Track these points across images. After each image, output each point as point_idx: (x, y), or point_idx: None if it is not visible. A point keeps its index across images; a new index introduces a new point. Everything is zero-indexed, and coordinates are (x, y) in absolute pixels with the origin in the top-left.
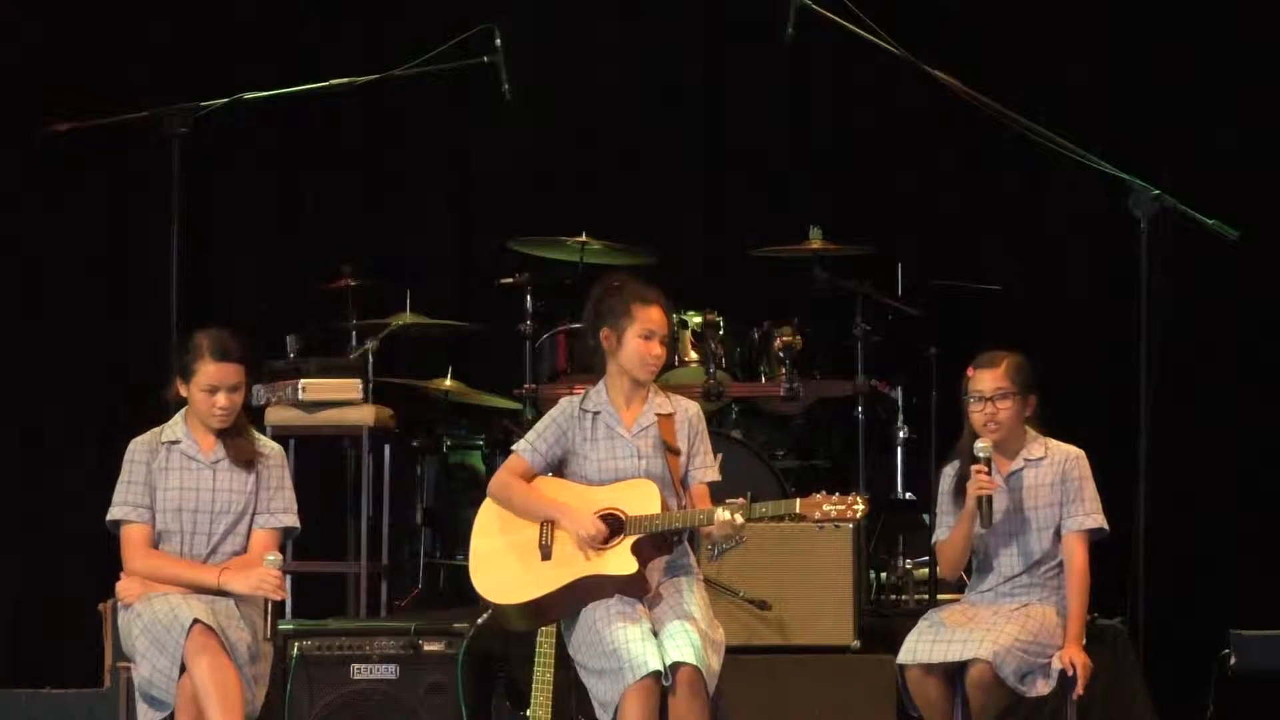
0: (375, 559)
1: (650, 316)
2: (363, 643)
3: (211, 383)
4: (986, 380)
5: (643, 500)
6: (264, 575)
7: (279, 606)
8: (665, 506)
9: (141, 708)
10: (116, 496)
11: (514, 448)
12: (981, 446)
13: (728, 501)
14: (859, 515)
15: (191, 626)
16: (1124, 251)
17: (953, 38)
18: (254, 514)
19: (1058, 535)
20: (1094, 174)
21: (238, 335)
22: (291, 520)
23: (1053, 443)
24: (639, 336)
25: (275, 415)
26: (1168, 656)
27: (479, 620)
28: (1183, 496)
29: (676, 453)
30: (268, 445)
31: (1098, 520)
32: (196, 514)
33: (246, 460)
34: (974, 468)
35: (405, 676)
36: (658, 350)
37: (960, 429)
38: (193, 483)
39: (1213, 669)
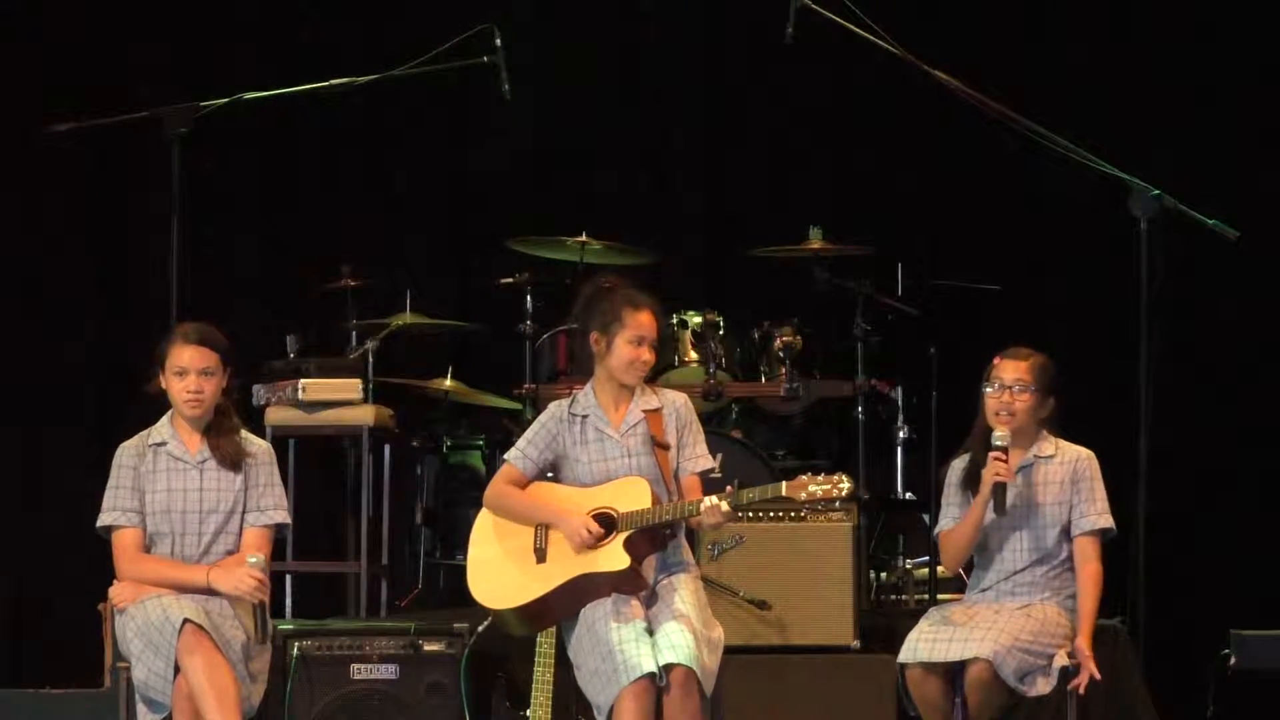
0: (375, 559)
1: (640, 322)
2: (363, 643)
3: (182, 365)
4: (1009, 370)
5: (633, 497)
6: (243, 576)
7: (263, 607)
8: (656, 501)
9: (140, 709)
10: (105, 502)
11: (505, 456)
12: (999, 435)
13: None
14: (844, 493)
15: (182, 627)
16: (1124, 251)
17: (953, 38)
18: (244, 512)
19: (1064, 534)
20: (1094, 174)
21: (216, 327)
22: (282, 517)
23: (1063, 443)
24: (628, 343)
25: (275, 415)
26: (1168, 656)
27: (479, 629)
28: (1183, 496)
29: (666, 447)
30: (255, 443)
31: (1107, 521)
32: (185, 515)
33: (233, 460)
34: (991, 454)
35: (405, 676)
36: (647, 356)
37: (963, 427)
38: (180, 484)
39: (1213, 669)
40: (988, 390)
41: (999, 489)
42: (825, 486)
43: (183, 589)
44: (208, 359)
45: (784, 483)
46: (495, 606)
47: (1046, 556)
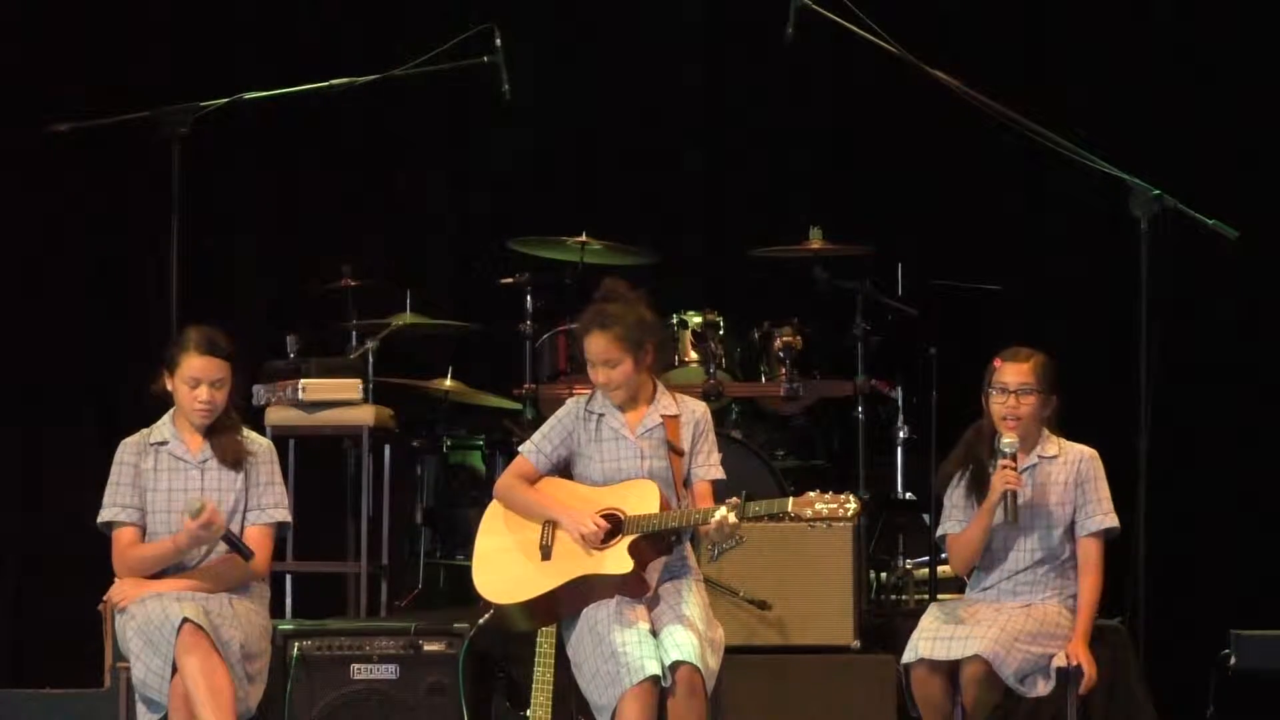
0: (375, 559)
1: (588, 348)
2: (363, 643)
3: (195, 375)
4: (1012, 374)
5: (642, 500)
6: (193, 530)
7: (230, 534)
8: (665, 506)
9: (140, 709)
10: (106, 499)
11: (519, 449)
12: (1007, 442)
13: (725, 501)
14: (850, 514)
15: (181, 626)
16: (1124, 251)
17: (953, 38)
18: (245, 511)
19: (1068, 534)
20: (1094, 174)
21: (227, 334)
22: (283, 515)
23: (1066, 442)
24: (590, 364)
25: (275, 415)
26: (1168, 656)
27: (480, 621)
28: (1183, 496)
29: (680, 453)
30: (256, 442)
31: (1112, 520)
32: (186, 515)
33: (234, 459)
34: (1001, 462)
35: (405, 676)
36: (601, 379)
37: (963, 427)
38: (181, 483)
39: (1213, 669)
40: (992, 395)
41: (1009, 496)
42: (831, 505)
43: (170, 562)
44: (220, 370)
45: (791, 499)
46: (496, 600)
47: (1050, 556)
